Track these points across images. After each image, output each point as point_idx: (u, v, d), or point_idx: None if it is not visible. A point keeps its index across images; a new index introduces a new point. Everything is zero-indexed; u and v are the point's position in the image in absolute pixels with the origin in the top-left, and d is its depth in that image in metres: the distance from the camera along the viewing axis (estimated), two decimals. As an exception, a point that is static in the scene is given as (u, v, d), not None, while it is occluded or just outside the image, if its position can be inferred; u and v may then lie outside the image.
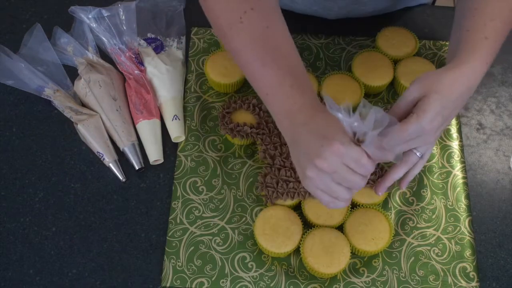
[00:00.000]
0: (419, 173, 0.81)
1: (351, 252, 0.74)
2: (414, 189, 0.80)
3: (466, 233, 0.77)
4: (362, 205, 0.77)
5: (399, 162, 0.68)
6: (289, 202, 0.76)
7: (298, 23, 0.94)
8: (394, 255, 0.76)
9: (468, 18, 0.69)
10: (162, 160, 0.82)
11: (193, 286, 0.74)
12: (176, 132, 0.83)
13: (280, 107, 0.66)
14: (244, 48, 0.68)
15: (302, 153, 0.63)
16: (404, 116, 0.65)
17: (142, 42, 0.90)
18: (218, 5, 0.68)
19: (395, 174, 0.71)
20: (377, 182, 0.73)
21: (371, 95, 0.88)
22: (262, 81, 0.67)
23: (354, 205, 0.78)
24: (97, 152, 0.82)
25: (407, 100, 0.66)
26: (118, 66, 0.89)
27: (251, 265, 0.75)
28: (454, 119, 0.85)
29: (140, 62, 0.88)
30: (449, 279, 0.74)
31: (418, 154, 0.69)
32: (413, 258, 0.76)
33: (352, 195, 0.65)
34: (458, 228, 0.78)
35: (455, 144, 0.84)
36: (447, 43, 0.92)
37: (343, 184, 0.63)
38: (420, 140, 0.66)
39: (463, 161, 0.82)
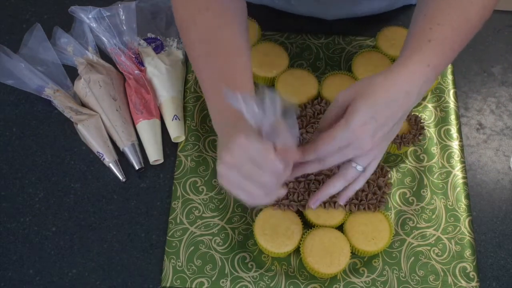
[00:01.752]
0: (419, 173, 0.81)
1: (351, 252, 0.74)
2: (414, 189, 0.80)
3: (466, 233, 0.77)
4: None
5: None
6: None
7: (297, 24, 0.94)
8: (394, 255, 0.76)
9: (415, 23, 0.66)
10: (162, 160, 0.82)
11: (193, 286, 0.74)
12: (176, 132, 0.83)
13: (213, 105, 0.68)
14: (193, 45, 0.70)
15: (218, 154, 0.63)
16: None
17: (142, 42, 0.90)
18: (177, 2, 0.71)
19: (330, 188, 0.67)
20: (311, 195, 0.70)
21: (371, 95, 0.88)
22: (202, 78, 0.70)
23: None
24: (97, 152, 0.82)
25: (337, 106, 0.62)
26: (118, 66, 0.89)
27: (251, 265, 0.75)
28: (454, 119, 0.85)
29: (140, 62, 0.88)
30: (449, 279, 0.74)
31: (358, 167, 0.64)
32: (413, 258, 0.76)
33: (268, 193, 0.61)
34: (458, 228, 0.78)
35: (455, 144, 0.84)
36: (447, 43, 0.92)
37: (252, 180, 0.59)
38: (354, 148, 0.61)
39: (463, 161, 0.82)
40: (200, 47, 0.69)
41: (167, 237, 0.77)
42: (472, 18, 0.66)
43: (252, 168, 0.58)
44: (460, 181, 0.81)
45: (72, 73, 0.88)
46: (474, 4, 0.65)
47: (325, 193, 0.69)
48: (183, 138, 0.84)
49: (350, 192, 0.68)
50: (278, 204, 0.75)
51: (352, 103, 0.60)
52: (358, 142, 0.61)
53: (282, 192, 0.62)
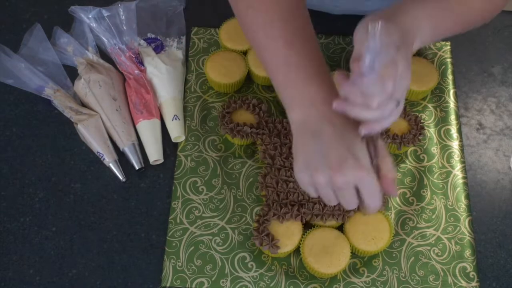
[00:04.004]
0: (419, 173, 0.81)
1: (351, 252, 0.74)
2: (414, 189, 0.80)
3: (466, 233, 0.77)
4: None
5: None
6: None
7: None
8: (394, 255, 0.76)
9: None
10: (162, 160, 0.82)
11: (193, 286, 0.74)
12: (176, 132, 0.83)
13: (301, 93, 0.62)
14: (271, 23, 0.64)
15: (318, 152, 0.60)
16: None
17: (142, 42, 0.90)
18: None
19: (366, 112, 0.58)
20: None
21: (371, 95, 0.88)
22: (285, 62, 0.63)
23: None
24: (97, 152, 0.82)
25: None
26: (118, 66, 0.89)
27: (251, 265, 0.75)
28: (454, 119, 0.85)
29: (140, 62, 0.89)
30: (449, 279, 0.74)
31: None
32: (413, 258, 0.76)
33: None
34: (458, 228, 0.78)
35: (455, 144, 0.84)
36: (447, 43, 0.92)
37: (340, 200, 0.62)
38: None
39: (463, 161, 0.82)
40: (279, 27, 0.63)
41: (167, 237, 0.77)
42: (474, 1, 0.67)
43: (351, 195, 0.61)
44: (460, 181, 0.81)
45: (72, 73, 0.88)
46: (474, 10, 0.67)
47: (359, 113, 0.58)
48: (183, 138, 0.84)
49: (380, 126, 0.59)
50: (278, 215, 0.75)
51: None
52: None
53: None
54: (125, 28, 0.90)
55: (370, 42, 0.51)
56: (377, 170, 0.61)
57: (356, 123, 0.59)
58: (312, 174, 0.60)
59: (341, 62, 0.90)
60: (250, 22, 0.66)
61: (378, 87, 0.54)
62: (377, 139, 0.61)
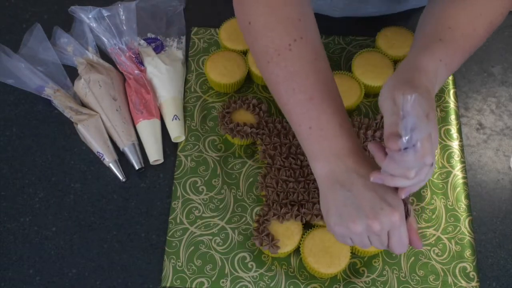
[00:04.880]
0: (419, 173, 0.81)
1: (351, 252, 0.74)
2: (414, 189, 0.80)
3: (466, 233, 0.77)
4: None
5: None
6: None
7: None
8: (394, 255, 0.76)
9: (425, 25, 0.68)
10: (162, 160, 0.82)
11: (193, 286, 0.74)
12: (176, 132, 0.83)
13: (327, 146, 0.63)
14: (291, 77, 0.64)
15: (351, 204, 0.61)
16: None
17: (142, 42, 0.90)
18: (266, 29, 0.65)
19: (404, 182, 0.60)
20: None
21: (371, 95, 0.88)
22: (307, 116, 0.64)
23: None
24: (97, 152, 0.82)
25: (392, 105, 0.58)
26: (118, 66, 0.89)
27: (251, 265, 0.75)
28: (454, 119, 0.85)
29: (140, 62, 0.89)
30: (449, 279, 0.74)
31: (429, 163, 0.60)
32: (413, 258, 0.76)
33: None
34: (458, 228, 0.78)
35: (455, 144, 0.84)
36: (447, 43, 0.92)
37: (373, 243, 0.63)
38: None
39: (463, 161, 0.82)
40: (301, 80, 0.64)
41: (167, 237, 0.77)
42: (479, 29, 0.68)
43: (384, 239, 0.62)
44: (460, 181, 0.81)
45: (72, 73, 0.88)
46: (482, 17, 0.68)
47: (398, 183, 0.60)
48: (183, 138, 0.84)
49: (417, 188, 0.62)
50: (278, 215, 0.75)
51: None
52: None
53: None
54: (125, 28, 0.90)
55: (407, 118, 0.52)
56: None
57: None
58: (349, 226, 0.61)
59: (341, 62, 0.90)
60: (269, 76, 0.66)
61: (417, 162, 0.55)
62: (410, 207, 0.64)
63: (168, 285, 0.74)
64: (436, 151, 0.83)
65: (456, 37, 0.66)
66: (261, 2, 0.66)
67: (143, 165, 0.82)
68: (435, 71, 0.62)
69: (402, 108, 0.52)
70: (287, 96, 0.65)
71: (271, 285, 0.74)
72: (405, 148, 0.53)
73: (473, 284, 0.74)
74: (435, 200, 0.80)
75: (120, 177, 0.81)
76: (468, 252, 0.76)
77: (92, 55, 0.89)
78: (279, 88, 0.66)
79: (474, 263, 0.75)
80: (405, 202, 0.62)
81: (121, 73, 0.88)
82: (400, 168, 0.57)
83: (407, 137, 0.52)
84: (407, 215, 0.62)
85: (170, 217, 0.78)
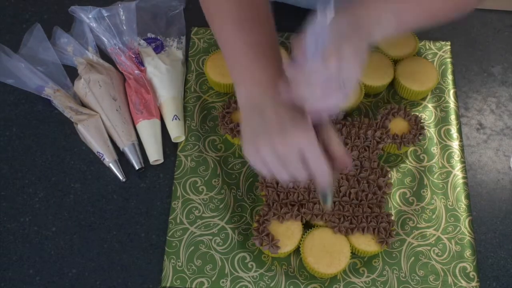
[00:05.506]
0: (419, 173, 0.81)
1: (351, 252, 0.74)
2: (414, 189, 0.80)
3: (466, 233, 0.77)
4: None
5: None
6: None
7: (298, 24, 0.94)
8: (394, 255, 0.76)
9: None
10: (162, 160, 0.82)
11: (193, 286, 0.74)
12: (176, 132, 0.83)
13: (248, 73, 0.65)
14: (224, 6, 0.67)
15: (261, 125, 0.61)
16: None
17: (142, 42, 0.90)
18: None
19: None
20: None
21: (371, 95, 0.88)
22: (234, 46, 0.66)
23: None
24: (97, 152, 0.82)
25: None
26: (118, 66, 0.89)
27: (251, 265, 0.75)
28: (454, 119, 0.85)
29: (140, 62, 0.88)
30: (449, 279, 0.74)
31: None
32: (413, 258, 0.76)
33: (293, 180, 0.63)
34: (458, 228, 0.78)
35: (455, 144, 0.84)
36: (447, 43, 0.92)
37: (288, 171, 0.61)
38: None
39: (463, 161, 0.82)
40: (231, 11, 0.66)
41: (167, 237, 0.77)
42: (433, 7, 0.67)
43: (296, 162, 0.60)
44: (460, 181, 0.81)
45: (72, 73, 0.88)
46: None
47: (304, 93, 0.59)
48: (183, 138, 0.84)
49: (327, 111, 0.61)
50: (278, 215, 0.75)
51: None
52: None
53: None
54: (125, 28, 0.90)
55: (315, 26, 0.53)
56: (330, 155, 0.61)
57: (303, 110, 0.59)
58: (257, 148, 0.61)
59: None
60: (208, 13, 0.69)
61: (321, 67, 0.55)
62: (330, 130, 0.61)
63: (168, 285, 0.74)
64: (436, 150, 0.83)
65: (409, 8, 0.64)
66: None
67: (143, 165, 0.82)
68: (379, 15, 0.61)
69: (317, 19, 0.53)
70: (221, 29, 0.68)
71: (271, 285, 0.74)
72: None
73: (473, 284, 0.74)
74: (435, 200, 0.80)
75: (120, 177, 0.81)
76: (468, 252, 0.76)
77: (92, 55, 0.89)
78: (215, 22, 0.68)
79: (474, 263, 0.75)
80: (332, 139, 0.60)
81: (121, 73, 0.88)
82: (305, 75, 0.56)
83: (309, 42, 0.54)
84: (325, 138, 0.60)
85: (170, 217, 0.78)
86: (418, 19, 0.67)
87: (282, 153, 0.60)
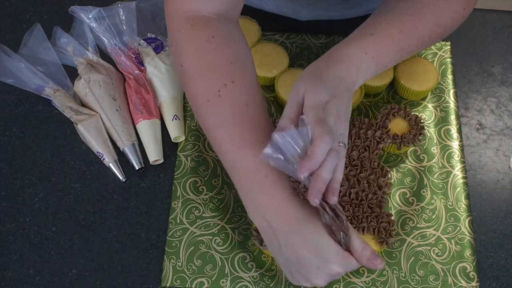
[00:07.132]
0: (419, 173, 0.81)
1: (351, 252, 0.74)
2: (414, 189, 0.80)
3: (466, 233, 0.77)
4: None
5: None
6: None
7: (297, 23, 0.94)
8: (394, 255, 0.76)
9: (367, 20, 0.68)
10: (162, 160, 0.82)
11: (193, 286, 0.74)
12: (176, 132, 0.83)
13: (254, 198, 0.62)
14: (220, 125, 0.63)
15: (291, 262, 0.61)
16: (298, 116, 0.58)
17: (142, 42, 0.90)
18: (196, 74, 0.64)
19: (326, 172, 0.56)
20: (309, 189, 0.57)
21: (371, 95, 0.88)
22: (236, 166, 0.63)
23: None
24: (97, 152, 0.82)
25: (297, 100, 0.59)
26: (118, 66, 0.89)
27: (251, 265, 0.75)
28: (454, 119, 0.85)
29: (140, 62, 0.88)
30: (449, 279, 0.74)
31: (341, 144, 0.59)
32: (413, 258, 0.76)
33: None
34: (458, 228, 0.78)
35: (455, 144, 0.84)
36: (447, 43, 0.92)
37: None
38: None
39: (463, 161, 0.82)
40: (229, 129, 0.63)
41: (167, 237, 0.77)
42: (421, 29, 0.68)
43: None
44: (460, 181, 0.81)
45: (72, 73, 0.88)
46: (427, 17, 0.68)
47: (322, 179, 0.57)
48: (183, 138, 0.84)
49: (336, 184, 0.58)
50: None
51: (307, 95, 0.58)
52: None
53: None
54: (125, 28, 0.90)
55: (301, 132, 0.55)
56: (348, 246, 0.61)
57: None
58: (297, 282, 0.63)
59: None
60: (201, 122, 0.67)
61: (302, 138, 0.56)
62: (339, 213, 0.59)
63: (168, 285, 0.74)
64: (436, 150, 0.83)
65: (392, 32, 0.65)
66: (191, 45, 0.64)
67: (143, 165, 0.82)
68: (359, 64, 0.62)
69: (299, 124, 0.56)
70: (218, 144, 0.65)
71: (271, 285, 0.74)
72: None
73: (473, 284, 0.74)
74: (435, 200, 0.80)
75: (120, 177, 0.81)
76: (468, 252, 0.76)
77: (92, 55, 0.89)
78: (210, 134, 0.65)
79: (474, 263, 0.75)
80: (335, 213, 0.58)
81: (121, 73, 0.88)
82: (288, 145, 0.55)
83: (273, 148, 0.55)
84: (343, 231, 0.59)
85: (170, 217, 0.78)
86: (396, 58, 0.68)
87: (321, 284, 0.62)
